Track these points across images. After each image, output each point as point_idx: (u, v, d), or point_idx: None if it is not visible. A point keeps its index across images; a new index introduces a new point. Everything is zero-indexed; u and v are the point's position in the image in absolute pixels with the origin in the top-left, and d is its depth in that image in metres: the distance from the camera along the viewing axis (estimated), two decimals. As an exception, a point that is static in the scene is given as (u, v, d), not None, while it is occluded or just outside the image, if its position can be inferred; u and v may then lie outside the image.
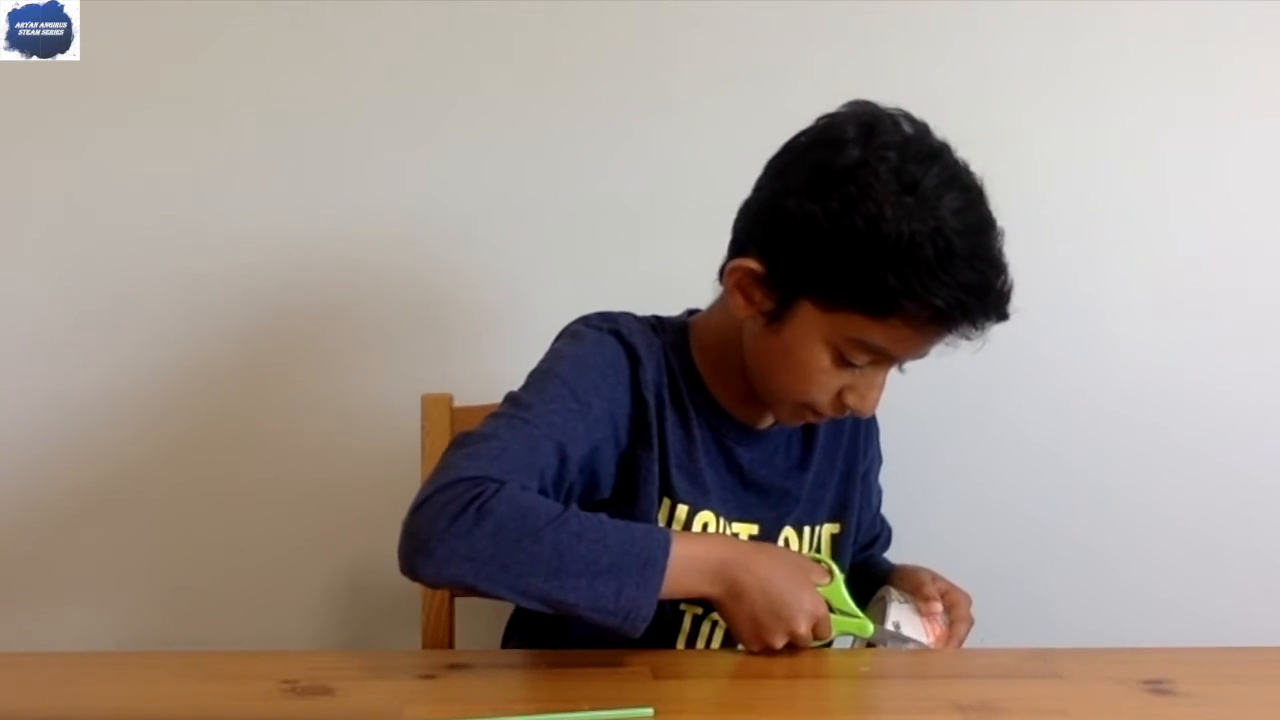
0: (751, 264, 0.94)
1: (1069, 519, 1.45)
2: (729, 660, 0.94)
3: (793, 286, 0.93)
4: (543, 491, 0.89)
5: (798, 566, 0.94)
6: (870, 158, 0.89)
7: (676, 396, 1.00)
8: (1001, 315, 0.92)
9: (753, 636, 0.88)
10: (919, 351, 0.94)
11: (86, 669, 0.90)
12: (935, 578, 1.05)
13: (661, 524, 0.98)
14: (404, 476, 1.18)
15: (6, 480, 1.39)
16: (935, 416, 1.43)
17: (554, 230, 1.38)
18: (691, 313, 1.08)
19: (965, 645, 1.01)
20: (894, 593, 1.02)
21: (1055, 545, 1.45)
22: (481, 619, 1.14)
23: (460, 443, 0.89)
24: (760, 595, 0.88)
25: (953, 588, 1.04)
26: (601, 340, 0.98)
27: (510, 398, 0.94)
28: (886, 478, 1.22)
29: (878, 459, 1.17)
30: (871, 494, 1.17)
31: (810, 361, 0.93)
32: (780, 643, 0.88)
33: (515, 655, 0.92)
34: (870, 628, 0.94)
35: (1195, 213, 1.41)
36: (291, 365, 1.39)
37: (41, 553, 1.41)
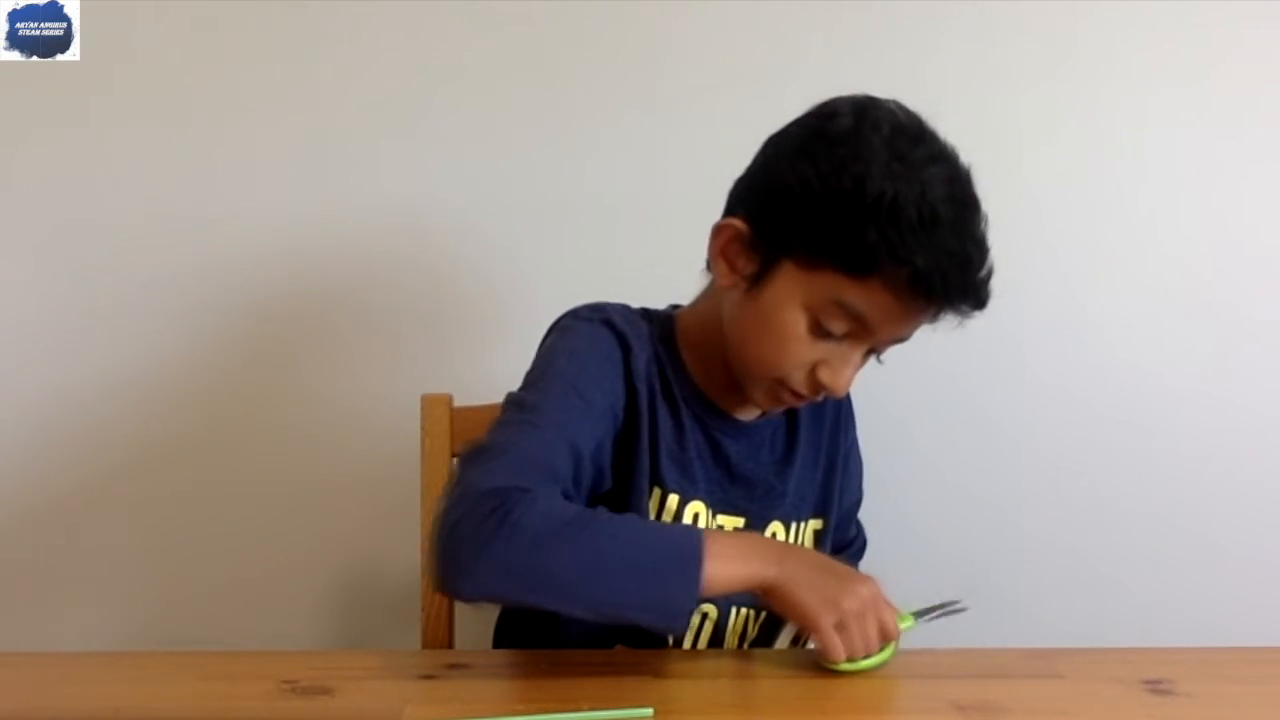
0: (737, 223, 0.94)
1: (1068, 521, 1.45)
2: (729, 660, 0.94)
3: (776, 246, 0.92)
4: (565, 494, 0.89)
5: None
6: (863, 128, 0.90)
7: (666, 386, 1.00)
8: (980, 299, 0.91)
9: (823, 604, 0.85)
10: (897, 327, 0.93)
11: (86, 669, 0.90)
12: None
13: (652, 514, 0.98)
14: (404, 476, 1.19)
15: (6, 480, 1.39)
16: (934, 421, 1.43)
17: (554, 229, 1.38)
18: (676, 308, 1.08)
19: (965, 645, 1.01)
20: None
21: (1055, 547, 1.45)
22: (481, 619, 1.14)
23: (474, 455, 0.88)
24: (812, 566, 0.88)
25: None
26: (594, 331, 0.98)
27: (514, 401, 0.93)
28: (882, 482, 1.22)
29: (855, 448, 1.17)
30: (850, 482, 1.15)
31: (787, 327, 0.92)
32: (851, 603, 0.85)
33: (515, 655, 0.92)
34: (909, 618, 0.92)
35: (1186, 213, 1.41)
36: (291, 365, 1.40)
37: (41, 552, 1.41)
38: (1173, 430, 1.43)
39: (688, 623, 0.83)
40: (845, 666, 0.86)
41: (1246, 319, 1.42)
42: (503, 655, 1.03)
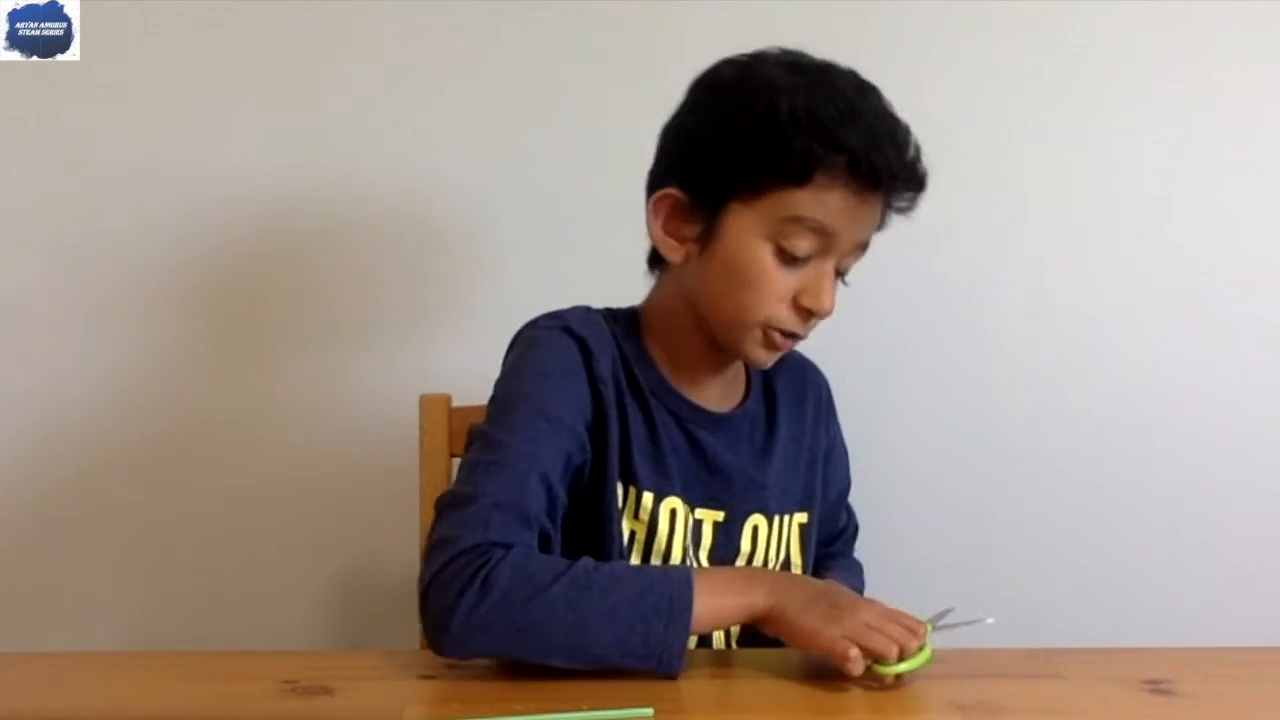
0: (671, 191, 0.96)
1: (1067, 521, 1.45)
2: (729, 660, 0.94)
3: (715, 195, 0.94)
4: (542, 531, 0.89)
5: None
6: (750, 64, 0.96)
7: (634, 384, 1.00)
8: (918, 178, 0.94)
9: (823, 621, 0.84)
10: (855, 226, 0.93)
11: (86, 669, 0.90)
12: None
13: (627, 513, 0.98)
14: (403, 477, 1.19)
15: (5, 479, 1.39)
16: (932, 422, 1.43)
17: (555, 230, 1.38)
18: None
19: (965, 646, 1.01)
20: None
21: (1055, 547, 1.45)
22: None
23: (450, 505, 0.88)
24: (808, 589, 0.88)
25: None
26: (554, 340, 0.99)
27: (481, 436, 0.93)
28: (881, 483, 1.22)
29: (839, 437, 1.17)
30: (835, 472, 1.15)
31: (754, 264, 0.93)
32: (852, 620, 0.84)
33: (515, 655, 0.92)
34: (927, 624, 0.89)
35: (1186, 213, 1.41)
36: (291, 365, 1.40)
37: (41, 553, 1.41)
38: (1172, 430, 1.43)
39: (681, 665, 0.83)
40: (886, 669, 0.83)
41: (1248, 320, 1.42)
42: (502, 655, 1.03)
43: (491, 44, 1.36)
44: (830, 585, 0.91)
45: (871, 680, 0.84)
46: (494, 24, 1.35)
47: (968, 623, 0.92)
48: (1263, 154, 1.40)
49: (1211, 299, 1.42)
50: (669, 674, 0.84)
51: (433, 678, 0.87)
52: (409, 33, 1.35)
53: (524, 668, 0.86)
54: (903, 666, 0.84)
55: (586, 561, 0.86)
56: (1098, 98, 1.39)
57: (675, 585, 0.84)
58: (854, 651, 0.82)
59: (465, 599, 0.82)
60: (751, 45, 1.34)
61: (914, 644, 0.84)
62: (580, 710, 0.78)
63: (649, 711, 0.78)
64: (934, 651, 0.87)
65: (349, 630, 1.43)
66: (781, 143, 0.90)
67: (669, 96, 1.35)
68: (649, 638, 0.83)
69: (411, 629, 1.15)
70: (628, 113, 1.36)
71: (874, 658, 0.83)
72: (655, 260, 1.02)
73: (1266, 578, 1.44)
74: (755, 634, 0.98)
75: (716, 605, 0.85)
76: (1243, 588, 1.44)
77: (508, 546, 0.84)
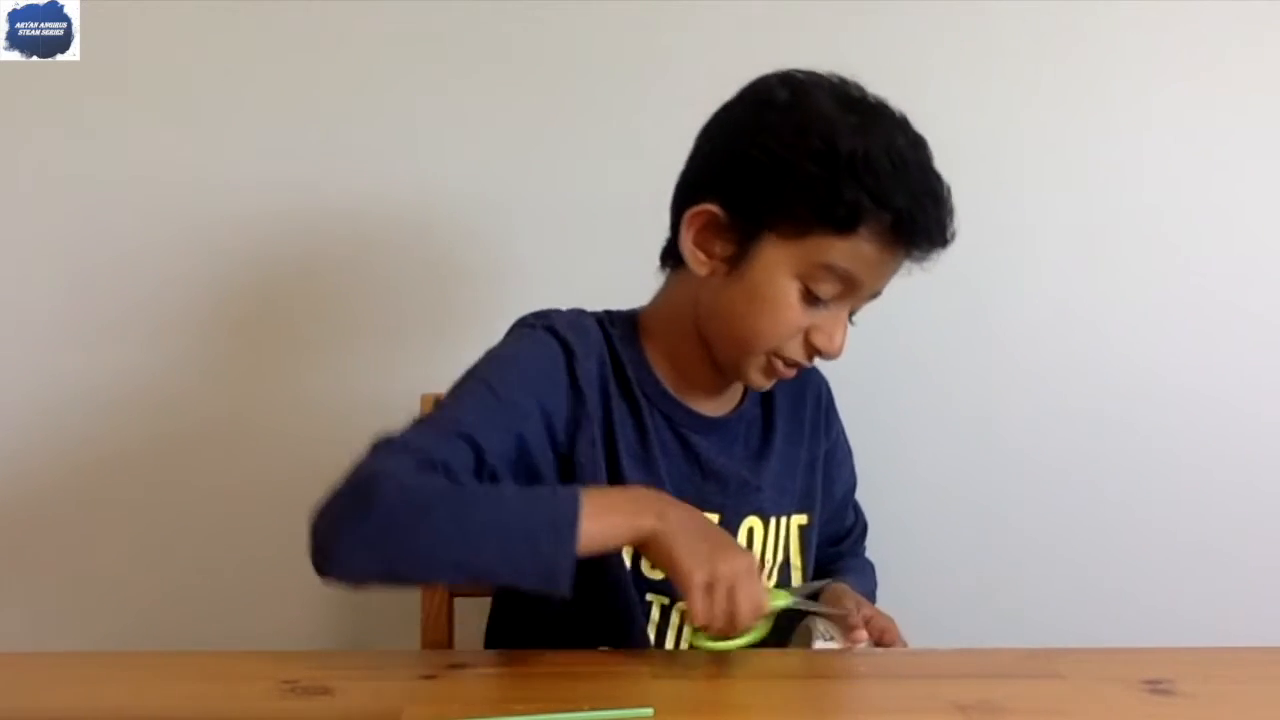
0: (712, 208, 0.95)
1: (1068, 522, 1.45)
2: (729, 660, 0.94)
3: (754, 221, 0.93)
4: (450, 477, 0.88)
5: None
6: (804, 94, 0.93)
7: (625, 387, 1.00)
8: (947, 236, 0.93)
9: (696, 562, 0.84)
10: (878, 279, 0.95)
11: (86, 669, 0.90)
12: (860, 604, 1.02)
13: None
14: (404, 476, 1.18)
15: (5, 479, 1.39)
16: (933, 423, 1.43)
17: (556, 230, 1.38)
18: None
19: (965, 646, 1.01)
20: (820, 626, 0.98)
21: (1055, 548, 1.45)
22: (481, 619, 1.14)
23: (369, 448, 0.89)
24: (694, 525, 0.88)
25: (878, 614, 1.02)
26: (534, 338, 0.98)
27: (434, 406, 0.95)
28: (882, 485, 1.21)
29: (842, 437, 1.17)
30: (838, 473, 1.15)
31: (778, 298, 0.93)
32: (725, 568, 0.84)
33: (515, 655, 0.92)
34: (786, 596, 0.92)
35: (1185, 213, 1.41)
36: (292, 365, 1.40)
37: (40, 552, 1.41)
38: (1172, 430, 1.43)
39: (569, 583, 0.82)
40: (714, 645, 0.85)
41: (1247, 320, 1.42)
42: (502, 655, 1.03)
43: (492, 44, 1.36)
44: (715, 528, 0.93)
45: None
46: (494, 24, 1.35)
47: (825, 613, 0.95)
48: (1261, 154, 1.40)
49: (1211, 299, 1.42)
50: (557, 591, 0.82)
51: (433, 678, 0.87)
52: (410, 33, 1.35)
53: (524, 667, 0.86)
54: (730, 645, 0.85)
55: (472, 483, 0.87)
56: (1098, 98, 1.39)
57: (562, 503, 0.84)
58: (706, 621, 0.84)
59: (347, 520, 0.82)
60: (750, 45, 1.36)
61: (746, 622, 0.84)
62: (580, 710, 0.78)
63: (649, 711, 0.78)
64: (761, 638, 0.87)
65: (349, 630, 1.43)
66: (833, 191, 0.89)
67: (669, 97, 1.36)
68: (536, 554, 0.82)
69: (412, 629, 1.16)
70: (628, 113, 1.37)
71: (697, 623, 0.84)
72: (669, 256, 1.02)
73: (1266, 578, 1.44)
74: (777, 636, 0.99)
75: (604, 524, 0.85)
76: (1243, 588, 1.44)
77: (396, 472, 0.85)
